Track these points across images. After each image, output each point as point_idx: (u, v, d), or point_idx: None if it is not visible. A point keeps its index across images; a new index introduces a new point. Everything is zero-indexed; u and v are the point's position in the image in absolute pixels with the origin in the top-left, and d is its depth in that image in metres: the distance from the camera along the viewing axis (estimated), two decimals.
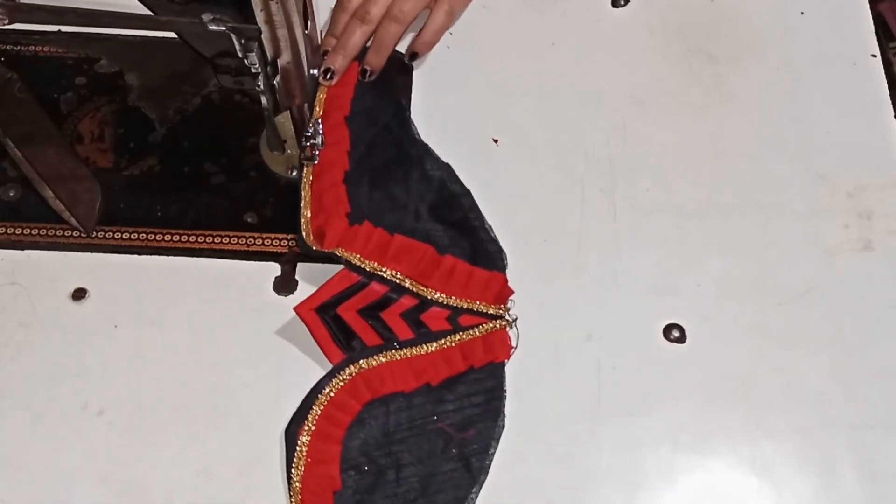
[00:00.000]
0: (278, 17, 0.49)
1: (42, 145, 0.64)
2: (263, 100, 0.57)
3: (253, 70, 0.52)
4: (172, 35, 0.53)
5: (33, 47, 0.70)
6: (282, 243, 0.63)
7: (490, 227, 0.63)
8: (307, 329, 0.58)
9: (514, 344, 0.60)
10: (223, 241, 0.63)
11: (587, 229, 0.64)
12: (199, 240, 0.63)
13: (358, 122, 0.64)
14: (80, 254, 0.62)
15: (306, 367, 0.59)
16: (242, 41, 0.50)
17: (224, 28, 0.49)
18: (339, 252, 0.58)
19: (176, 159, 0.66)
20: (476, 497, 0.55)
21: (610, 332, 0.61)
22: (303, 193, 0.61)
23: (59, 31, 0.69)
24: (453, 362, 0.58)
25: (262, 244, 0.63)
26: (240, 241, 0.63)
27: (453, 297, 0.59)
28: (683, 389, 0.59)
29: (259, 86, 0.55)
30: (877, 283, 0.62)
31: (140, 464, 0.56)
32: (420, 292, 0.59)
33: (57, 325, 0.60)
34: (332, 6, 0.65)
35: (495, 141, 0.68)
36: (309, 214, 0.60)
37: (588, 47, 0.69)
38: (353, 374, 0.56)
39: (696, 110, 0.68)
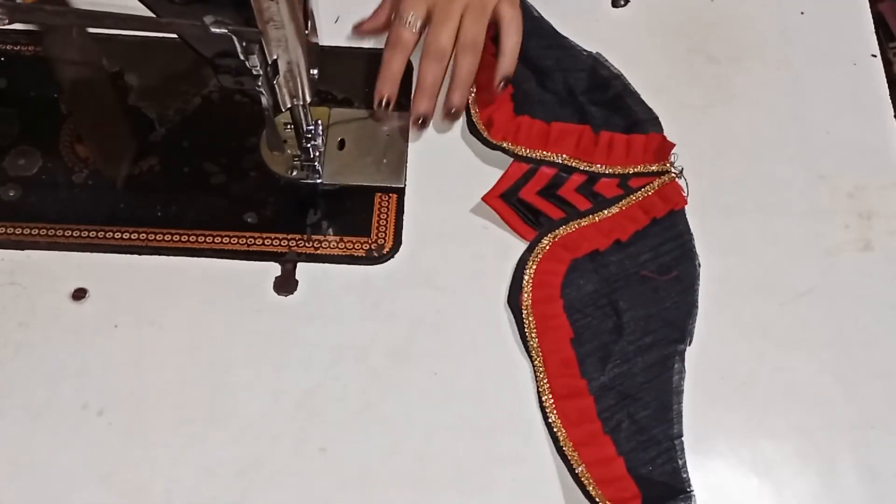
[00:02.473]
0: (278, 18, 0.49)
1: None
2: (263, 100, 0.57)
3: (254, 73, 0.52)
4: (172, 35, 0.53)
5: (33, 47, 0.69)
6: (282, 243, 0.63)
7: (642, 100, 0.66)
8: (497, 215, 0.63)
9: (685, 193, 0.64)
10: (223, 241, 0.63)
11: None
12: (199, 240, 0.63)
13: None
14: (80, 254, 0.62)
15: (306, 366, 0.59)
16: (244, 44, 0.50)
17: (226, 31, 0.49)
18: (505, 146, 0.65)
19: (176, 159, 0.66)
20: (694, 329, 0.60)
21: None
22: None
23: None
24: (636, 218, 0.63)
25: (262, 244, 0.63)
26: (240, 241, 0.63)
27: (618, 167, 0.64)
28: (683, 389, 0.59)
29: (259, 86, 0.55)
30: (877, 283, 0.62)
31: (140, 464, 0.56)
32: (586, 168, 0.64)
33: (57, 325, 0.60)
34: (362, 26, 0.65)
35: None
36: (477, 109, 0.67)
37: (588, 47, 0.69)
38: (550, 243, 0.62)
39: (696, 110, 0.68)
